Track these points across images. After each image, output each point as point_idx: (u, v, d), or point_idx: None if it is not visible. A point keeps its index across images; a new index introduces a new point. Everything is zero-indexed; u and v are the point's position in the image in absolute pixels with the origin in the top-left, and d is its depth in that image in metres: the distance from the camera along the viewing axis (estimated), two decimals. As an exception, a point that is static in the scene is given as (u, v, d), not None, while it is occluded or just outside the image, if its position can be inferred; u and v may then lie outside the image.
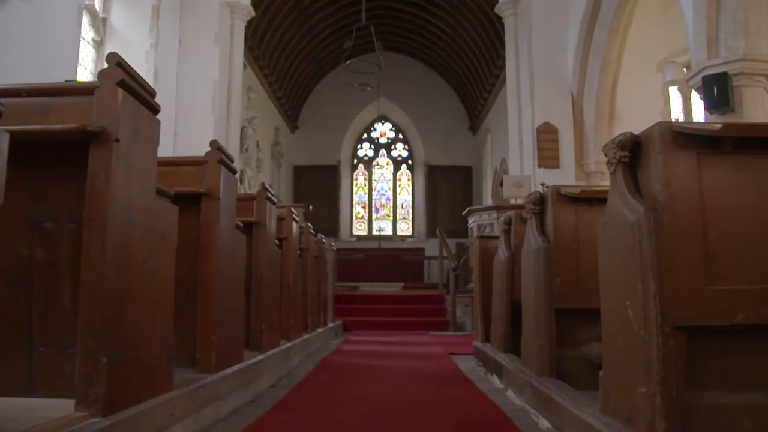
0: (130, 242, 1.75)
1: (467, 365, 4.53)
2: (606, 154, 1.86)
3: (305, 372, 4.09)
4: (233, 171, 2.86)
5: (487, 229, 7.36)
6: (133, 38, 8.42)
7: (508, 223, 3.77)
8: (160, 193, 1.99)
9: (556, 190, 2.76)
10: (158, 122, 1.97)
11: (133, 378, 1.74)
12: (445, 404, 2.99)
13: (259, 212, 3.52)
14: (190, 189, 2.56)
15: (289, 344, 4.21)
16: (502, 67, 13.37)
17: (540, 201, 2.87)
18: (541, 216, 2.88)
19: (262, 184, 3.53)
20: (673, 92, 10.34)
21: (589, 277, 2.70)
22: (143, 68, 8.37)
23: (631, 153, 1.79)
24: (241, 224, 3.03)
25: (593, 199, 2.74)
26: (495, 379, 3.63)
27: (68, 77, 6.40)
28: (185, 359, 2.55)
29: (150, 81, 8.52)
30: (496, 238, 4.49)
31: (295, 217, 4.49)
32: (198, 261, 2.54)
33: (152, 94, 1.92)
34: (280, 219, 4.40)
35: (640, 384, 1.64)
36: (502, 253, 3.73)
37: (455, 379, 3.85)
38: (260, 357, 3.29)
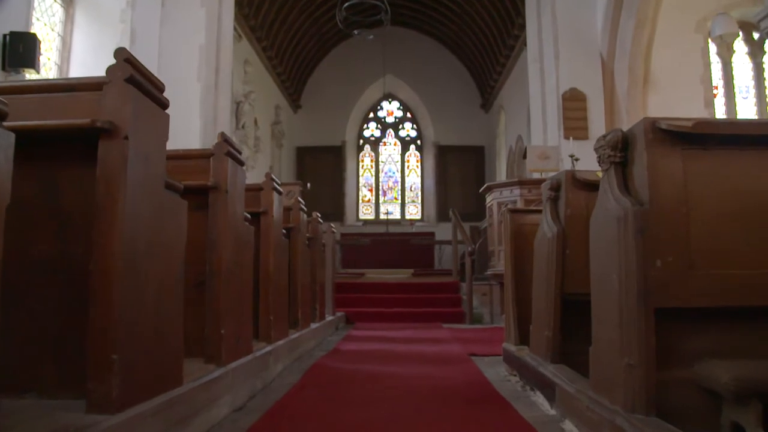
0: None
1: (495, 373, 3.59)
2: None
3: (288, 385, 3.16)
4: (162, 104, 1.90)
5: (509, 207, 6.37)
6: (106, -5, 7.46)
7: (556, 188, 2.81)
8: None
9: (652, 125, 1.78)
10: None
11: None
12: (478, 444, 2.06)
13: (218, 173, 2.57)
14: (79, 122, 1.61)
15: (268, 348, 3.28)
16: (518, 37, 12.30)
17: (623, 145, 1.89)
18: (623, 167, 1.91)
19: (222, 134, 2.58)
20: (713, 56, 9.28)
21: (708, 256, 1.74)
22: (118, 29, 7.42)
23: None
24: (181, 185, 2.08)
25: (711, 137, 1.76)
26: (540, 399, 2.68)
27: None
28: (76, 391, 1.63)
29: (126, 44, 7.60)
30: (533, 211, 3.53)
31: (277, 187, 3.54)
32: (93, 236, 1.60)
33: None
34: (256, 189, 3.47)
35: None
36: (548, 228, 2.76)
37: (484, 396, 2.91)
38: (216, 373, 2.36)
